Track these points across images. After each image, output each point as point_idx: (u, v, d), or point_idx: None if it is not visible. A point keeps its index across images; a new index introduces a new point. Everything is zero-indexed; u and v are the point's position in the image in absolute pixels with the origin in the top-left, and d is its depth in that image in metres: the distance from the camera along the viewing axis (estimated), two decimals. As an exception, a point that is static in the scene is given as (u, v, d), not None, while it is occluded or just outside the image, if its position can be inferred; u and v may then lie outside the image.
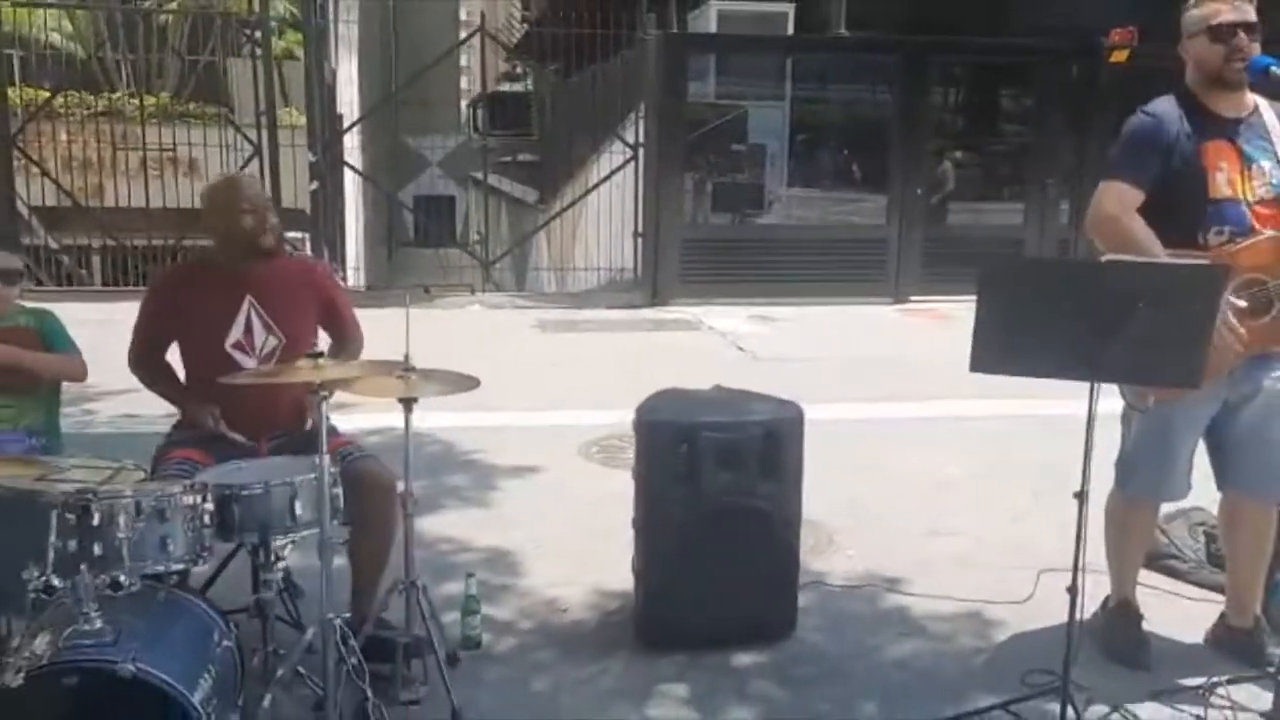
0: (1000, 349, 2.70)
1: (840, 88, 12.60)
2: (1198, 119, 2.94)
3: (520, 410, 6.01)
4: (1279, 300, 2.87)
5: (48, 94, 11.30)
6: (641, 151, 10.01)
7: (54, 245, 11.17)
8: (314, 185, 10.19)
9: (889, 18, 12.43)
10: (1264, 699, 2.89)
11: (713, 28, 12.69)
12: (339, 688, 2.68)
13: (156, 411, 3.76)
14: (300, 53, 13.11)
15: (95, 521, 2.39)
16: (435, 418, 5.42)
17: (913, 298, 9.95)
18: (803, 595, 3.52)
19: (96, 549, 2.38)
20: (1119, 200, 2.92)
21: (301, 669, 2.79)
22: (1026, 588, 3.61)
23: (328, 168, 10.07)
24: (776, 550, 3.30)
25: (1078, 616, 2.78)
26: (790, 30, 12.75)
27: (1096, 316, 2.58)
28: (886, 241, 10.12)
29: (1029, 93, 11.19)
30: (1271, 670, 2.84)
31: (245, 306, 3.18)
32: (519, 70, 27.58)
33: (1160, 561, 3.83)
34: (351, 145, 12.61)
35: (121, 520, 2.40)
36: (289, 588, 3.29)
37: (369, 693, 2.65)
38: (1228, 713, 2.89)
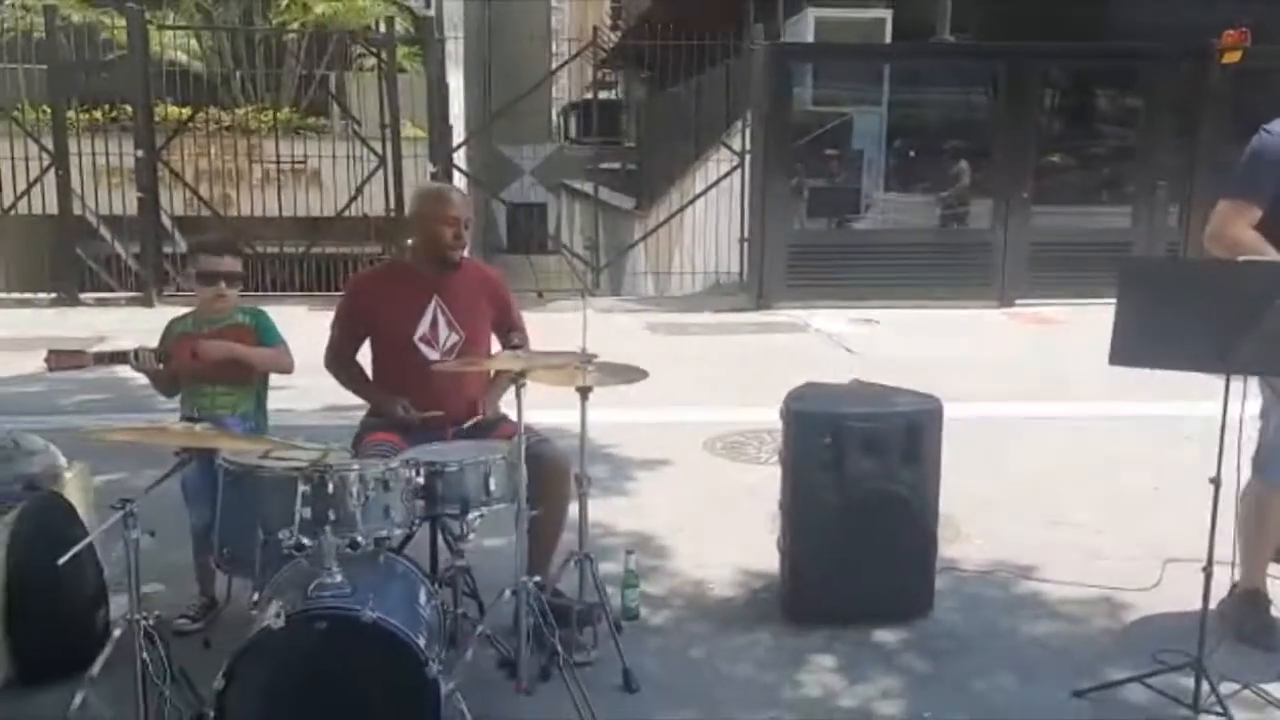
0: (1138, 343, 2.91)
1: (941, 92, 12.67)
2: None
3: (645, 407, 6.29)
4: None
5: (182, 110, 12.00)
6: (748, 158, 10.26)
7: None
8: (434, 195, 10.60)
9: (987, 21, 12.50)
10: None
11: (810, 34, 12.89)
12: (529, 646, 3.00)
13: (334, 404, 4.15)
14: (408, 66, 13.69)
15: (330, 490, 2.75)
16: (570, 415, 5.76)
17: (1018, 301, 10.02)
18: (937, 580, 3.74)
19: (332, 514, 2.73)
20: (1236, 216, 3.12)
21: (489, 631, 3.12)
22: (1153, 575, 3.79)
23: (446, 178, 10.52)
24: (915, 534, 3.53)
25: (1199, 599, 2.95)
26: (889, 35, 12.93)
27: (1230, 313, 2.77)
28: (991, 245, 10.20)
29: (1135, 95, 11.15)
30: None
31: (432, 305, 3.54)
32: (608, 78, 28.05)
33: (1285, 553, 3.95)
34: (458, 156, 13.09)
35: (355, 489, 2.75)
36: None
37: (560, 649, 2.96)
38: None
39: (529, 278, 13.88)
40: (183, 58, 15.05)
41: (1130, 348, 2.92)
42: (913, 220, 11.59)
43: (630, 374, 3.30)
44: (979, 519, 4.48)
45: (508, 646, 3.11)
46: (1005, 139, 10.24)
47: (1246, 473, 3.25)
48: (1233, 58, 9.08)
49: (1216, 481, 2.90)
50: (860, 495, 3.46)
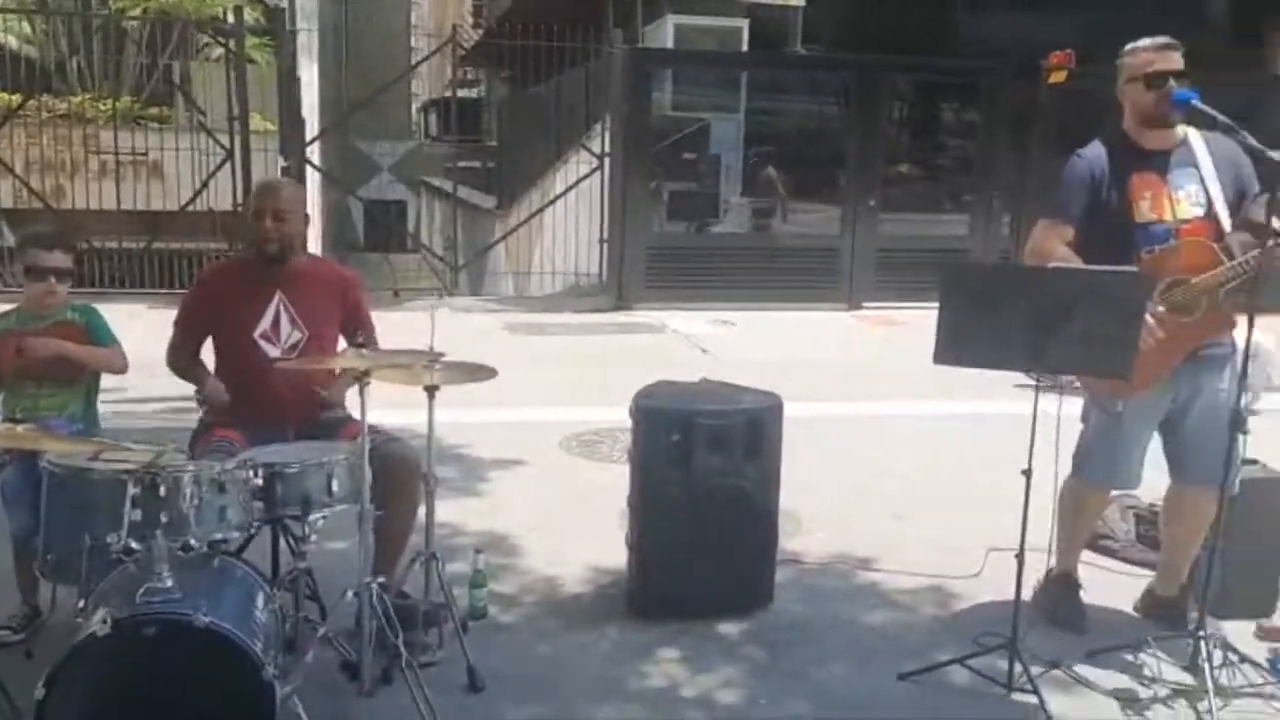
0: (959, 344, 3.08)
1: (796, 101, 13.05)
2: (1127, 155, 3.36)
3: (501, 407, 6.28)
4: (1205, 296, 3.26)
5: (12, 97, 11.33)
6: (607, 161, 10.34)
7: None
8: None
9: (841, 34, 12.94)
10: (1184, 655, 3.28)
11: (669, 40, 13.10)
12: (371, 648, 2.98)
13: (173, 405, 4.02)
14: (258, 57, 13.26)
15: (162, 492, 2.67)
16: (420, 414, 5.71)
17: (866, 304, 10.40)
18: (779, 572, 3.87)
19: (164, 517, 2.66)
20: (1051, 234, 3.37)
21: (330, 633, 3.07)
22: (978, 564, 4.00)
23: (299, 174, 10.24)
24: (758, 527, 3.65)
25: (1023, 585, 3.16)
26: (745, 44, 13.25)
27: (1043, 316, 2.96)
28: (840, 250, 10.57)
29: (975, 110, 11.72)
30: (1192, 629, 3.23)
31: (275, 302, 3.47)
32: (470, 77, 27.78)
33: (1097, 541, 4.25)
34: (310, 150, 12.77)
35: (188, 491, 2.68)
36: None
37: (403, 651, 2.94)
38: (1153, 667, 3.28)
39: (387, 276, 13.64)
40: (13, 42, 14.21)
41: (952, 348, 3.10)
42: (772, 225, 11.89)
43: (479, 372, 3.31)
44: (822, 513, 4.64)
45: (350, 649, 3.08)
46: (854, 149, 10.62)
47: (1066, 467, 3.49)
48: (1059, 77, 9.64)
49: (1028, 474, 3.10)
50: (705, 491, 3.55)
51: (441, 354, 3.17)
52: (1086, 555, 4.08)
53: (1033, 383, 3.08)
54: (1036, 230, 3.46)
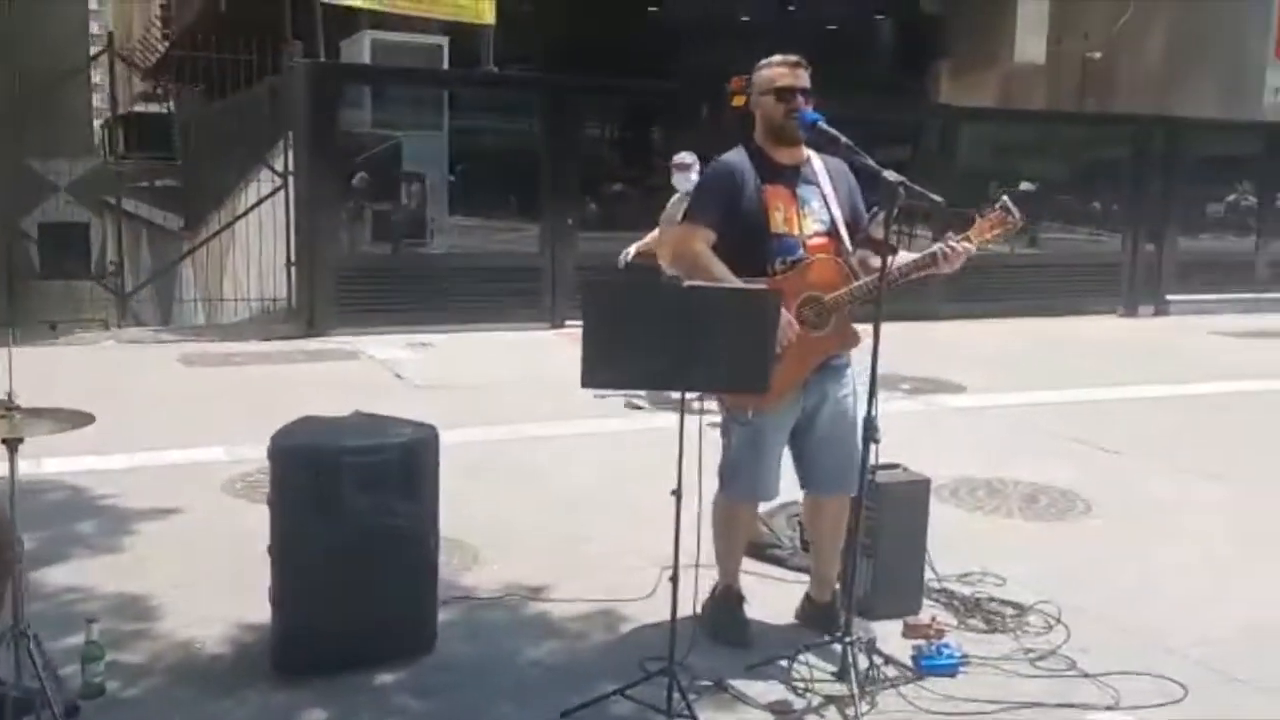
0: (606, 364, 3.01)
1: (495, 120, 12.97)
2: (763, 167, 3.47)
3: (159, 449, 5.73)
4: (835, 312, 3.38)
5: None
6: (292, 180, 9.80)
7: None
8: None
9: (541, 53, 13.02)
10: (836, 660, 3.36)
11: (366, 56, 12.65)
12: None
13: None
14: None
15: None
16: (57, 463, 5.10)
17: (568, 322, 10.41)
18: (448, 610, 3.69)
19: None
20: (691, 237, 3.40)
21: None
22: (651, 584, 3.96)
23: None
24: (416, 568, 3.43)
25: (689, 604, 3.13)
26: (446, 62, 13.02)
27: (684, 333, 2.94)
28: (541, 269, 10.53)
29: (669, 129, 12.09)
30: (839, 635, 3.31)
31: None
32: (159, 90, 25.80)
33: (765, 551, 4.34)
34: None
35: None
36: None
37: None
38: (807, 676, 3.33)
39: (66, 306, 12.37)
40: None
41: (599, 369, 3.03)
42: (470, 244, 11.71)
43: (73, 420, 2.89)
44: (501, 542, 4.49)
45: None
46: (551, 167, 10.62)
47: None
48: (740, 101, 10.06)
49: (678, 494, 3.07)
50: (355, 534, 3.29)
51: (16, 402, 2.74)
52: (756, 566, 4.16)
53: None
54: (679, 231, 3.51)
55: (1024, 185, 13.31)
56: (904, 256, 3.33)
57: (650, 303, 3.06)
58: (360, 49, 13.04)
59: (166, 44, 23.52)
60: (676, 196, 7.39)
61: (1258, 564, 4.53)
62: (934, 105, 17.56)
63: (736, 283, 3.25)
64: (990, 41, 19.83)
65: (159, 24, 27.81)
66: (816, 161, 3.49)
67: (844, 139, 3.32)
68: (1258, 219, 14.59)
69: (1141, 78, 25.75)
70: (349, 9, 11.30)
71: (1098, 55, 25.08)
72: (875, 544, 3.76)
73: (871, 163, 3.29)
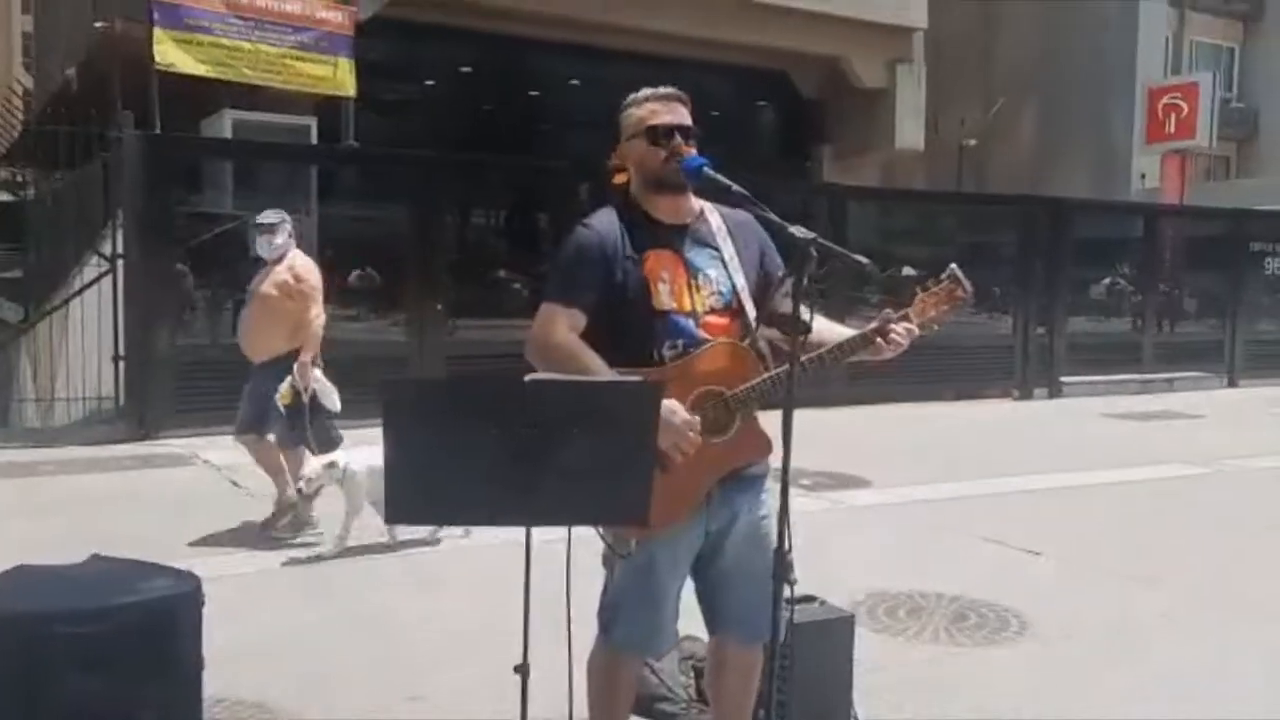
0: (419, 493, 2.17)
1: (361, 200, 12.17)
2: (640, 228, 2.68)
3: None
4: (740, 411, 2.60)
5: None
6: (121, 264, 8.72)
7: None
8: None
9: (408, 131, 12.29)
10: None
11: (228, 136, 11.77)
12: None
13: None
14: None
15: None
16: None
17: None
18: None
19: None
20: (557, 320, 2.56)
21: None
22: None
23: None
24: (167, 774, 2.48)
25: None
26: (314, 140, 12.23)
27: (525, 447, 2.12)
28: (409, 358, 9.62)
29: (547, 210, 11.42)
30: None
31: None
32: (18, 178, 24.17)
33: (653, 706, 3.48)
34: None
35: None
36: None
37: None
38: None
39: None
40: None
41: (410, 501, 2.18)
42: (327, 333, 10.71)
43: None
44: (321, 700, 3.54)
45: None
46: (419, 251, 9.80)
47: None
48: (622, 178, 9.46)
49: (524, 671, 2.21)
50: (75, 732, 2.35)
51: None
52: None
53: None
54: (540, 315, 2.62)
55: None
56: (830, 331, 2.60)
57: (474, 405, 2.20)
58: (220, 128, 12.20)
59: (22, 128, 22.08)
60: (263, 272, 6.00)
61: (1219, 686, 3.87)
62: (821, 184, 17.39)
63: (609, 375, 2.45)
64: (871, 128, 19.94)
65: (19, 110, 26.23)
66: (713, 216, 2.74)
67: (736, 186, 2.57)
68: (1141, 300, 14.62)
69: (1015, 164, 26.50)
70: (197, 79, 10.39)
71: (973, 142, 25.72)
72: (789, 691, 2.95)
73: (773, 216, 2.57)
